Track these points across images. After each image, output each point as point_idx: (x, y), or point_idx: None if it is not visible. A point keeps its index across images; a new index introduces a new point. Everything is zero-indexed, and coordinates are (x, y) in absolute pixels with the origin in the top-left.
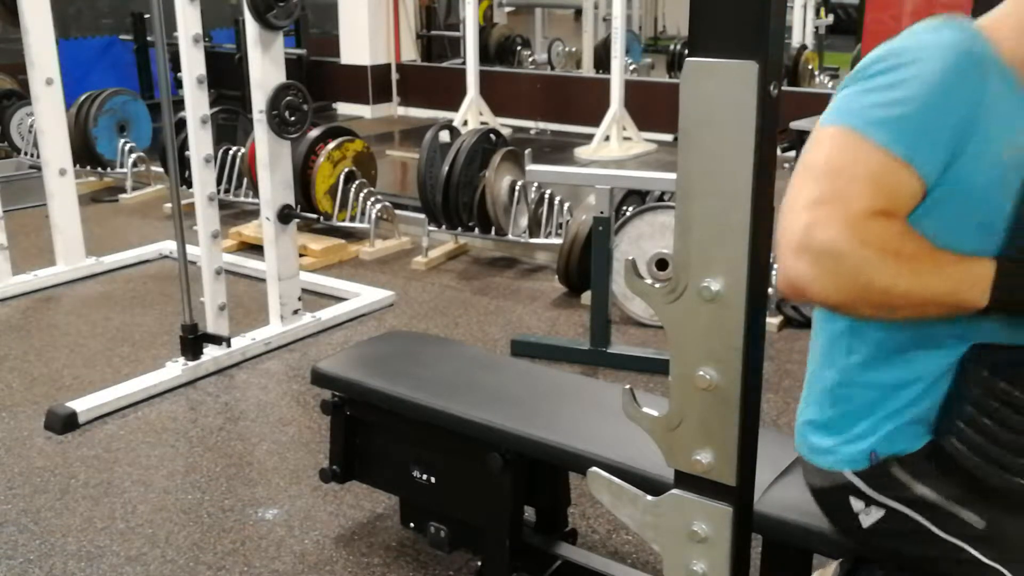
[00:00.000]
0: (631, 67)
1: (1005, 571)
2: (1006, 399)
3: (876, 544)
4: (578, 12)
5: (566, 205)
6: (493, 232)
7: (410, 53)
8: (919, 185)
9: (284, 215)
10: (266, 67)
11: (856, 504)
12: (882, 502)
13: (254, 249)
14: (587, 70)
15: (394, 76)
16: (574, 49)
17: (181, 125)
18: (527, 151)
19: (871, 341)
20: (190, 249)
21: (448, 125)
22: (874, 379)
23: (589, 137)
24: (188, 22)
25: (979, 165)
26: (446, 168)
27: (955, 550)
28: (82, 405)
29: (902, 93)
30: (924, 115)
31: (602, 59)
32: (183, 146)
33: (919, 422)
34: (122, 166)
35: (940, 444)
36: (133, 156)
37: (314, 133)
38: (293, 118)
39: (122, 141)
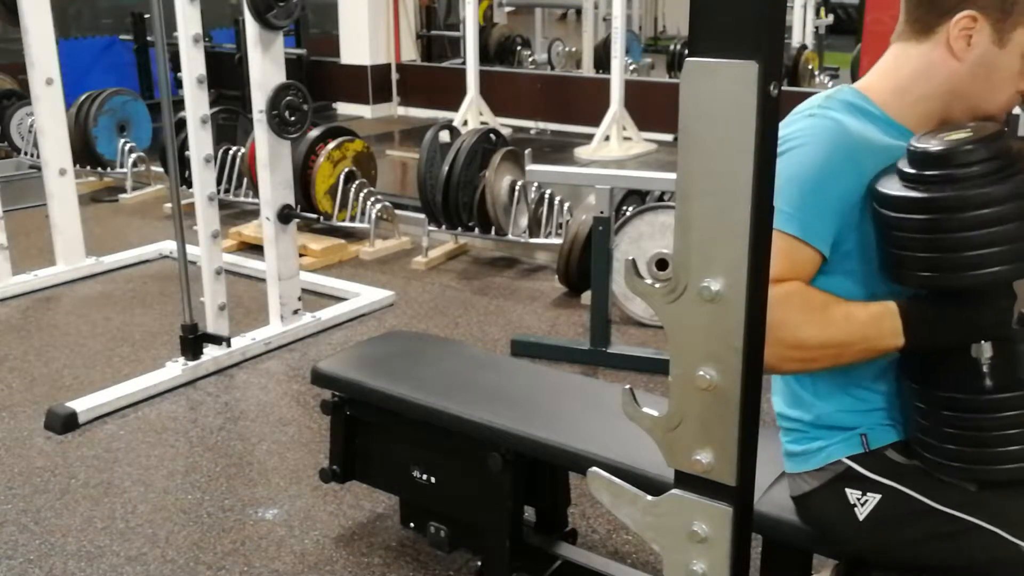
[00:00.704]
0: (631, 67)
1: (1000, 532)
2: (944, 419)
3: (874, 537)
4: (565, 14)
5: (566, 205)
6: (493, 232)
7: (410, 53)
8: (816, 255)
9: (284, 215)
10: (266, 67)
11: (852, 494)
12: (879, 482)
13: (254, 249)
14: (587, 70)
15: (394, 76)
16: (574, 49)
17: (181, 125)
18: (527, 151)
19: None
20: (190, 249)
21: (448, 125)
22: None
23: (589, 137)
24: (188, 22)
25: (873, 223)
26: (446, 168)
27: (952, 521)
28: (82, 405)
29: (786, 179)
30: (810, 200)
31: (602, 59)
32: (183, 146)
33: (891, 419)
34: (122, 166)
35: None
36: (133, 156)
37: (314, 133)
38: (293, 118)
39: (122, 141)
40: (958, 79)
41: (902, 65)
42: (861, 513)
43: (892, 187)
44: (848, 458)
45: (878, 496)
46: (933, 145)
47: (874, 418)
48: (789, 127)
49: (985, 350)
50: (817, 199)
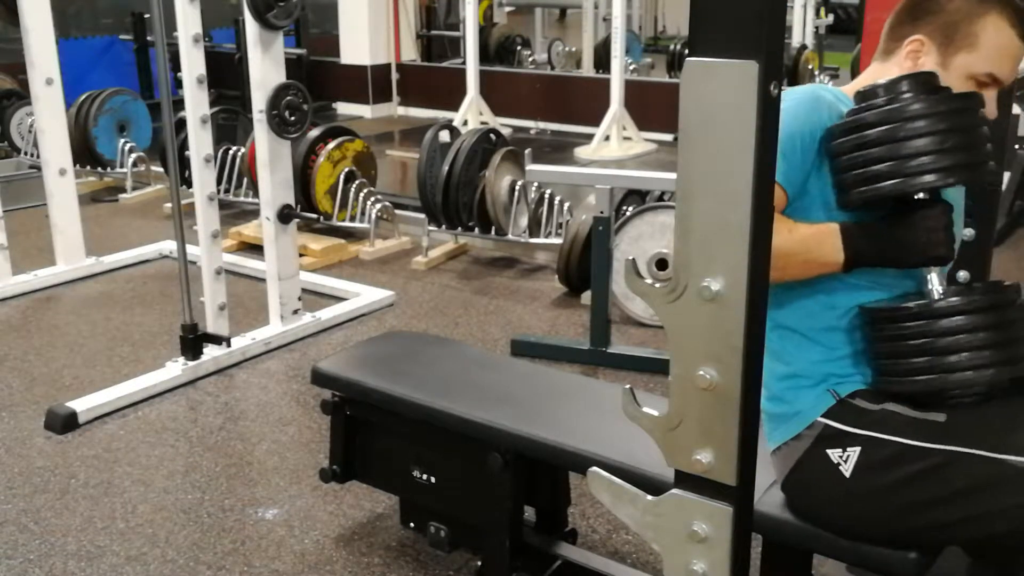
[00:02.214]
0: (631, 67)
1: (979, 452)
2: (892, 333)
3: (864, 492)
4: (563, 13)
5: (566, 205)
6: (493, 232)
7: (410, 53)
8: (781, 192)
9: (284, 215)
10: (266, 67)
11: (833, 454)
12: (856, 433)
13: (254, 249)
14: (587, 70)
15: (394, 76)
16: (574, 49)
17: (181, 125)
18: (527, 151)
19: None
20: (190, 249)
21: (448, 125)
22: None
23: (589, 137)
24: (188, 22)
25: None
26: (446, 168)
27: (930, 454)
28: (82, 405)
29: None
30: (781, 145)
31: (602, 59)
32: (183, 146)
33: (856, 365)
34: (122, 166)
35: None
36: (133, 156)
37: (314, 133)
38: (293, 118)
39: (122, 141)
40: None
41: (868, 78)
42: (846, 470)
43: (844, 119)
44: (822, 416)
45: (857, 448)
46: (877, 82)
47: (841, 367)
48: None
49: (934, 280)
50: (787, 146)
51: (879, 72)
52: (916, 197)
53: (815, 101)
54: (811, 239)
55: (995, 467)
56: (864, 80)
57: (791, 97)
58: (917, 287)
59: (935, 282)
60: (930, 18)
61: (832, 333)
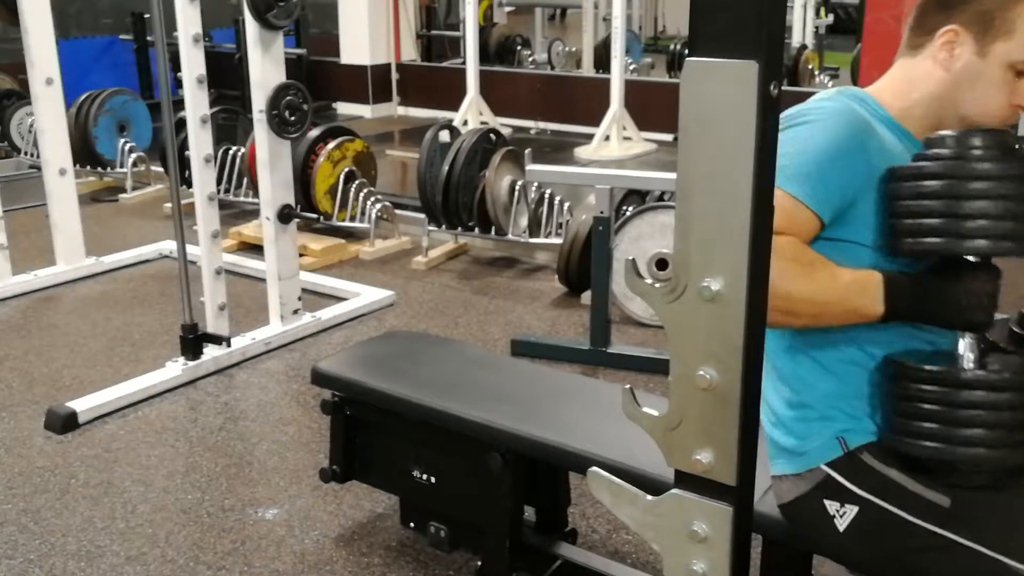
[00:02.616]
0: (631, 67)
1: (978, 547)
2: (912, 392)
3: (855, 546)
4: (553, 15)
5: (566, 205)
6: (493, 232)
7: (410, 53)
8: (816, 220)
9: (284, 215)
10: (266, 67)
11: (831, 506)
12: (857, 495)
13: (254, 249)
14: (587, 70)
15: (394, 76)
16: (574, 49)
17: (181, 125)
18: (527, 151)
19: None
20: (190, 249)
21: (448, 125)
22: (822, 379)
23: (589, 137)
24: (188, 22)
25: (873, 203)
26: (446, 168)
27: (930, 536)
28: (82, 405)
29: (800, 147)
30: (818, 168)
31: (602, 59)
32: (183, 146)
33: (869, 409)
34: (122, 166)
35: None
36: (133, 156)
37: (314, 133)
38: (293, 118)
39: (122, 141)
40: (945, 87)
41: (898, 77)
42: (841, 524)
43: (907, 166)
44: (827, 465)
45: (856, 508)
46: (946, 132)
47: (853, 408)
48: (805, 106)
49: (966, 346)
50: (826, 170)
51: (909, 69)
52: (966, 258)
53: (858, 128)
54: (853, 288)
55: (993, 566)
56: (895, 81)
57: (824, 111)
58: (951, 345)
59: (967, 348)
60: (963, 7)
61: (851, 368)
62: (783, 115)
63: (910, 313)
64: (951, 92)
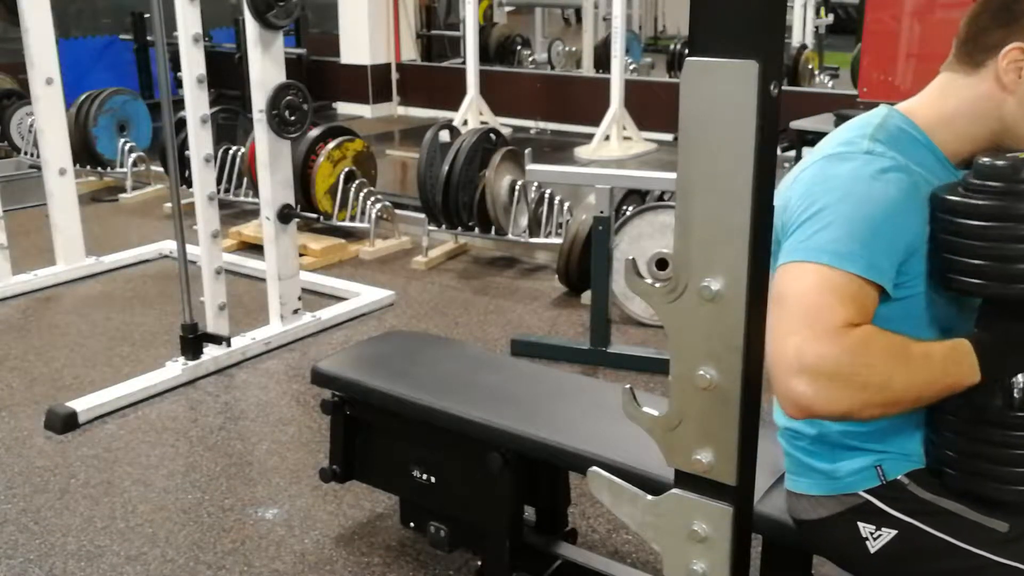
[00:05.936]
0: (631, 67)
1: None
2: (978, 434)
3: (882, 568)
4: (577, 15)
5: (566, 205)
6: (493, 232)
7: (410, 53)
8: (879, 291)
9: (284, 215)
10: (266, 67)
11: (865, 529)
12: (898, 518)
13: (254, 249)
14: (587, 70)
15: (394, 76)
16: (574, 49)
17: (181, 125)
18: (527, 151)
19: None
20: (190, 249)
21: (448, 125)
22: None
23: (589, 137)
24: (188, 22)
25: (923, 257)
26: (446, 168)
27: (973, 558)
28: (82, 405)
29: (855, 228)
30: (877, 238)
31: (602, 59)
32: (183, 146)
33: (911, 441)
34: (122, 166)
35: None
36: (133, 156)
37: (314, 133)
38: (293, 118)
39: (122, 141)
40: (1007, 111)
41: (949, 96)
42: (873, 547)
43: (955, 194)
44: (866, 491)
45: (894, 532)
46: (999, 159)
47: (886, 444)
48: (844, 163)
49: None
50: (883, 237)
51: (967, 88)
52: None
53: (911, 185)
54: (949, 363)
55: None
56: (947, 99)
57: (879, 184)
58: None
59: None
60: None
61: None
62: (816, 195)
63: (1004, 373)
64: (1014, 116)
